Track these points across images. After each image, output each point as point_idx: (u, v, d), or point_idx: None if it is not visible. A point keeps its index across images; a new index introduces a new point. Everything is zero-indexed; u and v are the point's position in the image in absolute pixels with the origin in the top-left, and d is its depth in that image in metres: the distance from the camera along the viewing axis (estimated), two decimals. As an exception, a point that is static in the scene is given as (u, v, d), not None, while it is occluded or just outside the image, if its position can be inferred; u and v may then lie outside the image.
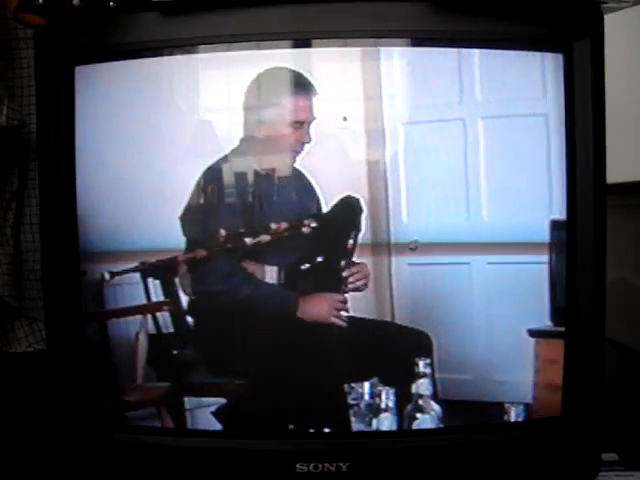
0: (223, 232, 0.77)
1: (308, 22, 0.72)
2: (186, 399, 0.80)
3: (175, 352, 0.81)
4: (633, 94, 1.02)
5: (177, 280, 0.79)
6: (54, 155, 0.76)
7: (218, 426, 0.78)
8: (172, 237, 0.77)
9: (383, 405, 0.78)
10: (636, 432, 0.88)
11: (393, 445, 0.74)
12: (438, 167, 0.77)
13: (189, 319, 0.80)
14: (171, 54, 0.75)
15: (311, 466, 0.73)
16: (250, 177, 0.78)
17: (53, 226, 0.76)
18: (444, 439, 0.75)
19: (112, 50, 0.75)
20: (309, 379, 0.78)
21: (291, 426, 0.77)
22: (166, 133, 0.77)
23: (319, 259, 0.79)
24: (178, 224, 0.77)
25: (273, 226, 0.77)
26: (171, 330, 0.81)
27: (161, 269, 0.78)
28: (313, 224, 0.77)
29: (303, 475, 0.73)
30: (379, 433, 0.76)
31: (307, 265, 0.79)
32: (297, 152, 0.77)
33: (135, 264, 0.78)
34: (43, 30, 0.75)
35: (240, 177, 0.78)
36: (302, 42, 0.73)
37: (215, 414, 0.78)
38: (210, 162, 0.77)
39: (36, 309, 0.90)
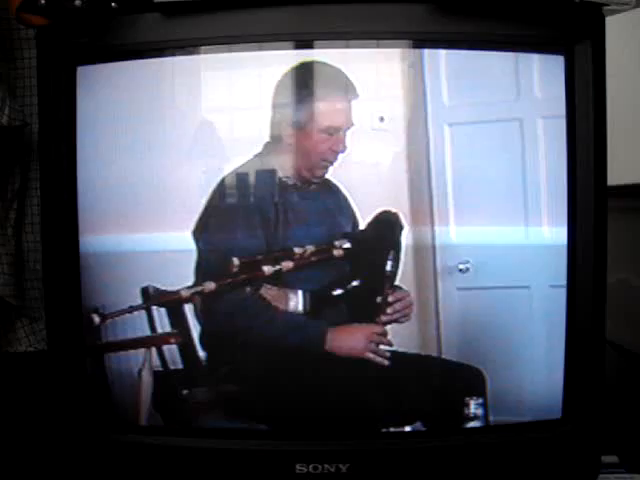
0: (236, 262, 0.66)
1: (309, 24, 0.72)
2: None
3: (185, 392, 0.71)
4: (634, 96, 1.02)
5: (186, 308, 0.69)
6: (55, 155, 0.76)
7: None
8: (180, 254, 0.66)
9: None
10: (636, 434, 0.87)
11: (392, 446, 0.74)
12: (492, 176, 0.67)
13: (201, 354, 0.70)
14: (173, 55, 0.75)
15: (310, 467, 0.73)
16: (274, 190, 0.67)
17: (54, 226, 0.76)
18: (443, 441, 0.75)
19: (114, 50, 0.75)
20: (341, 425, 0.69)
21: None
22: (168, 134, 0.71)
23: (354, 284, 0.68)
24: (189, 239, 0.66)
25: (297, 251, 0.66)
26: (180, 366, 0.71)
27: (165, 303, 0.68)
28: (346, 245, 0.67)
29: (302, 476, 0.73)
30: (378, 434, 0.76)
31: (339, 291, 0.68)
32: (330, 162, 0.67)
33: (134, 297, 0.67)
34: (45, 30, 0.75)
35: (262, 190, 0.67)
36: (303, 43, 0.73)
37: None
38: (227, 170, 0.67)
39: (37, 309, 0.90)
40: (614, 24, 0.75)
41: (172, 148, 0.70)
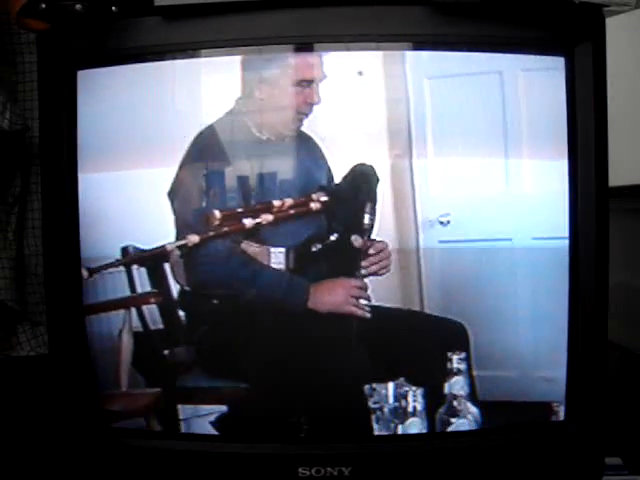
0: (218, 214, 0.66)
1: (308, 26, 0.72)
2: (180, 407, 0.70)
3: (166, 352, 0.70)
4: (635, 96, 1.02)
5: (167, 267, 0.69)
6: (56, 159, 0.76)
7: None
8: (162, 221, 0.66)
9: (410, 408, 0.68)
10: (639, 436, 0.87)
11: (395, 449, 0.74)
12: (472, 128, 0.66)
13: (181, 313, 0.69)
14: (173, 58, 0.75)
15: (313, 470, 0.73)
16: (248, 144, 0.67)
17: (55, 230, 0.76)
18: (445, 443, 0.75)
19: (114, 54, 0.75)
20: (323, 381, 0.68)
21: (302, 435, 0.68)
22: (168, 136, 0.70)
23: (332, 238, 0.67)
24: (167, 202, 0.66)
25: (276, 203, 0.66)
26: (160, 326, 0.70)
27: (150, 259, 0.67)
28: (323, 198, 0.66)
29: (305, 479, 0.73)
30: (381, 437, 0.76)
31: (319, 246, 0.67)
32: (304, 114, 0.67)
33: (116, 255, 0.67)
34: (46, 35, 0.75)
35: (236, 145, 0.67)
36: (303, 46, 0.73)
37: (215, 424, 0.70)
38: (200, 127, 0.66)
39: (38, 313, 0.90)
40: (615, 25, 0.75)
41: (172, 147, 0.69)
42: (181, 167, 0.67)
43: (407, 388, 0.68)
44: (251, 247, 0.68)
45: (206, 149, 0.67)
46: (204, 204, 0.67)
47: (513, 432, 0.76)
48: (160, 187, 0.69)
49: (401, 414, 0.69)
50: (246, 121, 0.67)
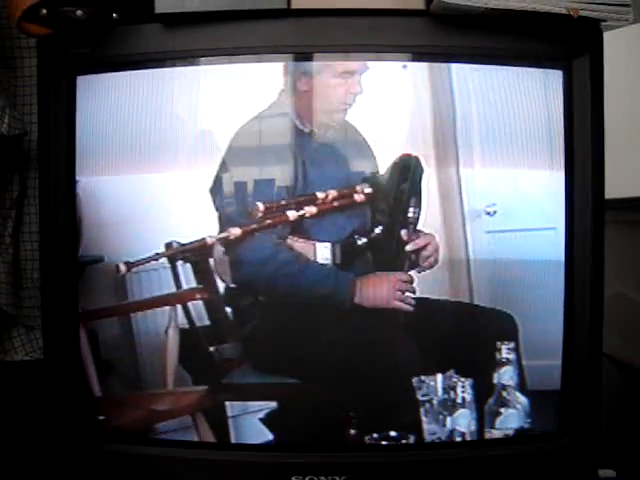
0: (261, 206, 0.65)
1: (307, 36, 0.72)
2: (228, 404, 0.69)
3: (212, 349, 0.69)
4: (634, 110, 1.02)
5: (212, 262, 0.67)
6: (54, 164, 0.76)
7: (262, 435, 0.68)
8: (205, 218, 0.64)
9: (459, 400, 0.67)
10: (634, 448, 0.87)
11: (389, 459, 0.74)
12: (518, 118, 0.66)
13: (227, 309, 0.68)
14: (173, 65, 0.75)
15: (307, 479, 0.73)
16: (291, 137, 0.66)
17: (52, 235, 0.76)
18: (439, 454, 0.75)
19: (114, 61, 0.75)
20: (371, 375, 0.67)
21: (352, 431, 0.67)
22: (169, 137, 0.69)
23: (377, 231, 0.66)
24: (208, 199, 0.65)
25: (320, 195, 0.65)
26: (206, 323, 0.69)
27: (191, 253, 0.66)
28: (367, 190, 0.65)
29: (298, 488, 0.73)
30: (375, 446, 0.76)
31: (364, 239, 0.66)
32: (347, 105, 0.66)
33: (157, 249, 0.66)
34: (46, 40, 0.75)
35: (279, 137, 0.66)
36: (302, 55, 0.73)
37: (264, 421, 0.69)
38: (243, 122, 0.66)
39: (34, 318, 0.90)
40: (613, 39, 0.76)
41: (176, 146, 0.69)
42: (223, 162, 0.66)
43: (456, 379, 0.68)
44: (296, 242, 0.67)
45: (248, 143, 0.66)
46: (247, 198, 0.66)
47: (507, 444, 0.76)
48: (201, 185, 0.68)
49: (450, 406, 0.68)
50: (289, 113, 0.67)
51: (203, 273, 0.68)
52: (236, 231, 0.66)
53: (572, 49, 0.74)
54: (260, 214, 0.66)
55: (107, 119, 0.75)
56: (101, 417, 0.72)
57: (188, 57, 0.74)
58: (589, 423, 0.74)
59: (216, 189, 0.66)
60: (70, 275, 0.75)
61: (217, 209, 0.66)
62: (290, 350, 0.68)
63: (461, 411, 0.68)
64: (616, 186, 0.77)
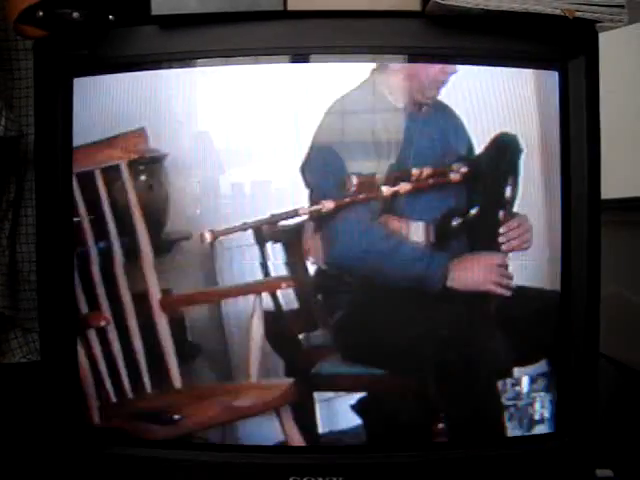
0: (354, 179, 0.63)
1: (304, 37, 0.73)
2: (316, 397, 0.65)
3: (301, 337, 0.65)
4: (630, 110, 1.03)
5: (303, 240, 0.64)
6: (51, 166, 0.76)
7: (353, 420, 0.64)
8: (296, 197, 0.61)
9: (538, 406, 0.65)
10: (631, 448, 0.87)
11: (386, 460, 0.74)
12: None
13: (318, 293, 0.65)
14: (169, 67, 0.75)
15: (304, 480, 0.73)
16: (385, 112, 0.65)
17: (49, 236, 0.76)
18: (435, 455, 0.75)
19: (110, 62, 0.75)
20: (460, 365, 0.64)
21: (441, 425, 0.65)
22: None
23: (472, 212, 0.64)
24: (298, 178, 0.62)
25: (414, 172, 0.63)
26: (294, 306, 0.65)
27: (281, 232, 0.63)
28: (463, 169, 0.64)
29: (296, 489, 0.73)
30: (372, 447, 0.76)
31: (458, 220, 0.64)
32: (441, 82, 0.66)
33: (244, 221, 0.63)
34: (42, 42, 0.75)
35: (372, 113, 0.65)
36: (300, 57, 0.73)
37: (355, 407, 0.65)
38: (336, 96, 0.65)
39: (31, 320, 0.90)
40: (609, 40, 0.76)
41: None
42: (315, 137, 0.64)
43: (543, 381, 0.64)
44: (390, 220, 0.65)
45: (340, 119, 0.65)
46: (340, 171, 0.64)
47: (505, 444, 0.76)
48: (292, 160, 0.66)
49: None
50: (382, 89, 0.66)
51: (293, 253, 0.65)
52: (329, 204, 0.64)
53: (567, 50, 0.74)
54: (354, 188, 0.64)
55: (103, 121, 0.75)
56: (176, 416, 0.68)
57: (184, 59, 0.74)
58: (586, 423, 0.75)
59: (307, 166, 0.64)
60: (67, 277, 0.75)
61: (308, 186, 0.64)
62: (377, 337, 0.65)
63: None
64: (613, 186, 0.77)
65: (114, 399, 0.71)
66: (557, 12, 0.70)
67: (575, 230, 0.73)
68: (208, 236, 0.65)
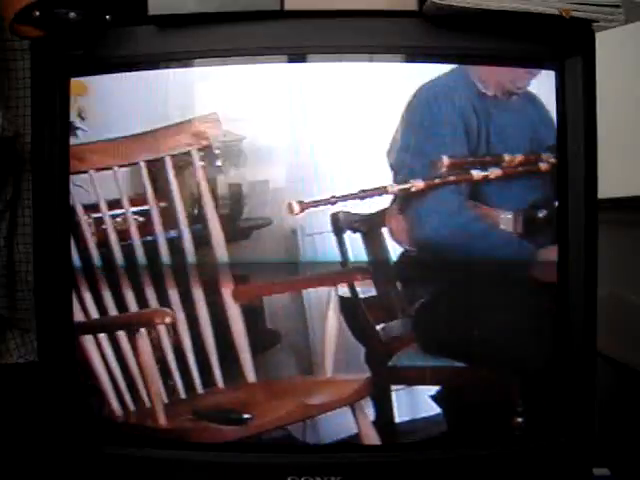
0: (446, 160, 0.62)
1: (302, 37, 0.73)
2: (394, 391, 0.62)
3: (379, 327, 0.63)
4: (627, 109, 1.03)
5: (384, 230, 0.63)
6: (48, 166, 0.76)
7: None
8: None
9: None
10: (628, 447, 0.87)
11: (384, 459, 0.74)
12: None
13: (398, 279, 0.62)
14: (167, 67, 0.75)
15: (302, 479, 0.73)
16: (474, 99, 0.65)
17: (46, 237, 0.76)
18: (434, 454, 0.75)
19: (107, 62, 0.75)
20: (539, 362, 0.64)
21: (519, 419, 0.63)
22: None
23: (556, 204, 0.64)
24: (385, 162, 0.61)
25: (506, 158, 0.63)
26: (372, 294, 0.63)
27: (364, 216, 0.61)
28: (552, 159, 0.64)
29: (294, 489, 0.73)
30: (370, 447, 0.76)
31: (544, 211, 0.64)
32: (530, 74, 0.67)
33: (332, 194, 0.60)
34: (39, 42, 0.75)
35: (460, 99, 0.65)
36: (298, 57, 0.73)
37: (435, 398, 0.63)
38: (424, 79, 0.66)
39: (28, 320, 0.90)
40: (610, 38, 0.76)
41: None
42: (404, 118, 0.64)
43: None
44: (478, 207, 0.64)
45: (428, 102, 0.65)
46: (431, 151, 0.64)
47: (502, 442, 0.76)
48: (381, 140, 0.65)
49: None
50: (471, 77, 0.66)
51: (375, 237, 0.63)
52: (419, 183, 0.63)
53: (564, 49, 0.74)
54: (444, 169, 0.63)
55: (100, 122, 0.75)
56: (246, 415, 0.65)
57: (182, 58, 0.74)
58: (583, 422, 0.75)
59: (397, 143, 0.63)
60: (64, 277, 0.75)
61: (393, 168, 0.63)
62: (461, 328, 0.63)
63: None
64: (611, 186, 0.77)
65: (166, 399, 0.69)
66: (554, 12, 0.70)
67: (572, 229, 0.73)
68: (296, 207, 0.63)
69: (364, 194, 0.63)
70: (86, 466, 0.75)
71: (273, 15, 0.72)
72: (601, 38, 0.75)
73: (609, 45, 0.79)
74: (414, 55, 0.73)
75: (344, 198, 0.63)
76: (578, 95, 0.74)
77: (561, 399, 0.74)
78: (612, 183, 0.78)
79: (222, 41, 0.73)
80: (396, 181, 0.64)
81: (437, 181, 0.63)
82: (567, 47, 0.74)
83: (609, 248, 0.76)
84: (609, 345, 0.82)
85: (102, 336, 0.73)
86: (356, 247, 0.64)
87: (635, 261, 1.03)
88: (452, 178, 0.63)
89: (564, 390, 0.74)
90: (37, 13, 0.73)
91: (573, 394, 0.74)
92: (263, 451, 0.75)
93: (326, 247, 0.64)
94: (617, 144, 0.95)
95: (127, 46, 0.74)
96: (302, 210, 0.63)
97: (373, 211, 0.64)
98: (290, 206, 0.63)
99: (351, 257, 0.64)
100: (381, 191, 0.63)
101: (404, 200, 0.64)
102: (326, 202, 0.64)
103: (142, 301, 0.71)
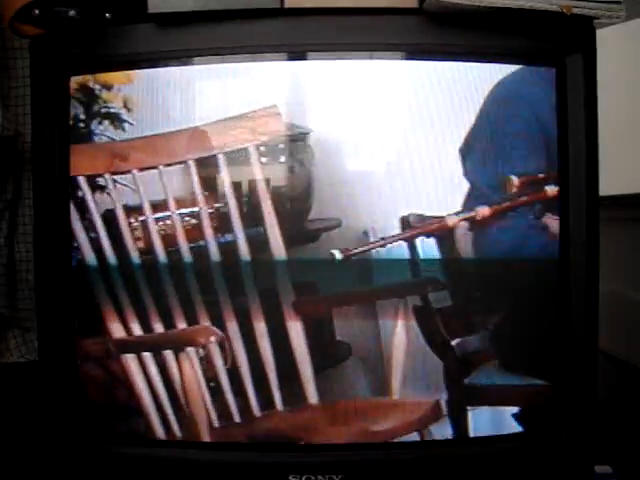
0: (516, 180, 0.57)
1: (302, 35, 0.73)
2: (470, 412, 0.58)
3: (454, 342, 0.57)
4: (628, 106, 1.03)
5: (458, 234, 0.57)
6: (48, 165, 0.75)
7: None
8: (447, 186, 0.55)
9: None
10: (630, 445, 0.87)
11: (385, 457, 0.74)
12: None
13: (474, 291, 0.58)
14: (166, 65, 0.75)
15: (303, 478, 0.73)
16: (542, 106, 0.60)
17: (46, 236, 0.76)
18: (437, 451, 0.75)
19: (107, 61, 0.75)
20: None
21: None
22: None
23: None
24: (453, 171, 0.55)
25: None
26: (447, 303, 0.57)
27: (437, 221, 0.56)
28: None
29: (296, 487, 0.73)
30: (371, 445, 0.76)
31: None
32: None
33: (395, 224, 0.56)
34: (39, 40, 0.75)
35: (538, 101, 0.61)
36: (297, 55, 0.73)
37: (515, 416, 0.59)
38: (495, 79, 0.61)
39: (28, 319, 0.90)
40: (605, 36, 0.76)
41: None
42: (476, 122, 0.59)
43: None
44: (554, 221, 0.59)
45: (502, 104, 0.59)
46: (499, 168, 0.58)
47: (503, 440, 0.76)
48: (448, 147, 0.60)
49: None
50: (535, 82, 0.62)
51: (446, 249, 0.58)
52: (484, 211, 0.58)
53: (565, 46, 0.74)
54: (515, 189, 0.57)
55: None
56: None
57: (181, 57, 0.74)
58: (585, 420, 0.75)
59: (466, 149, 0.58)
60: (64, 276, 0.75)
61: (465, 174, 0.57)
62: (540, 343, 0.59)
63: None
64: (612, 183, 0.77)
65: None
66: (554, 8, 0.70)
67: (574, 227, 0.73)
68: (339, 256, 0.56)
69: (420, 229, 0.58)
70: (86, 466, 0.75)
71: (273, 13, 0.72)
72: (602, 35, 0.75)
73: (610, 42, 0.79)
74: (415, 52, 0.73)
75: (401, 235, 0.58)
76: (579, 92, 0.73)
77: (562, 397, 0.74)
78: (612, 180, 0.78)
79: (223, 39, 0.73)
80: (462, 205, 0.58)
81: (506, 204, 0.57)
82: (568, 44, 0.74)
83: (610, 246, 0.76)
84: (610, 342, 0.82)
85: (146, 355, 0.67)
86: (428, 253, 0.59)
87: (635, 258, 1.03)
88: (523, 199, 0.57)
89: (565, 388, 0.74)
90: (37, 11, 0.72)
91: (574, 392, 0.74)
92: (264, 450, 0.75)
93: (399, 252, 0.59)
94: (620, 140, 0.94)
95: (126, 44, 0.74)
96: (347, 258, 0.57)
97: (444, 214, 0.59)
98: (332, 255, 0.57)
99: (422, 264, 0.59)
100: (438, 223, 0.58)
101: (469, 228, 0.59)
102: (369, 249, 0.58)
103: (191, 316, 0.65)
